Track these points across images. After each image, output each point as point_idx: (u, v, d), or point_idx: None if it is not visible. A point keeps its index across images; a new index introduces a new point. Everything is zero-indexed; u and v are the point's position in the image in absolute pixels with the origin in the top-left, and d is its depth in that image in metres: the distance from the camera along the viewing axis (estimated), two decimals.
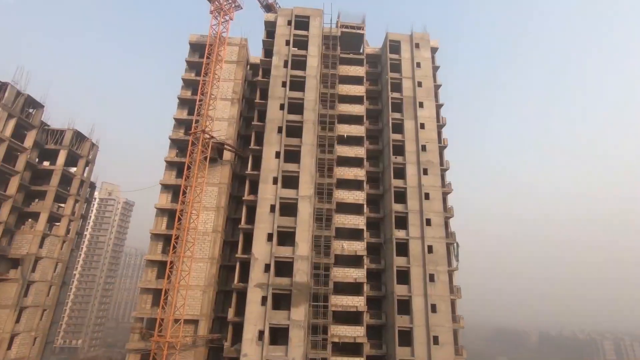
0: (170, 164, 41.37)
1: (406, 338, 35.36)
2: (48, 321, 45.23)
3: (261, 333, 32.11)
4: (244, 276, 35.15)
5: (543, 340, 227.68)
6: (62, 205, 48.50)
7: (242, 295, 34.64)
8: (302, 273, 33.94)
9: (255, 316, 32.59)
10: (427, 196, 39.93)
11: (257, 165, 39.10)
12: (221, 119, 41.89)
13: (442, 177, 43.07)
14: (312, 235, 35.62)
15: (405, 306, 36.35)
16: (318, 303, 33.65)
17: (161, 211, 39.73)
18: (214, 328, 37.14)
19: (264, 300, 33.15)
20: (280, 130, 39.37)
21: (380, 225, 42.07)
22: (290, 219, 36.02)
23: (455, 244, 40.79)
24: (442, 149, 44.51)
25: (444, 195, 42.00)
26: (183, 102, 43.83)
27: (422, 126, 42.89)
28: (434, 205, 39.70)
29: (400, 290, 36.66)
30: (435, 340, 34.82)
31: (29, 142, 42.72)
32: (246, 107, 47.40)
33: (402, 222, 39.40)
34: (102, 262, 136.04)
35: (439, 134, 44.71)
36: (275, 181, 37.27)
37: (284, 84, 41.36)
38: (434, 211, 39.46)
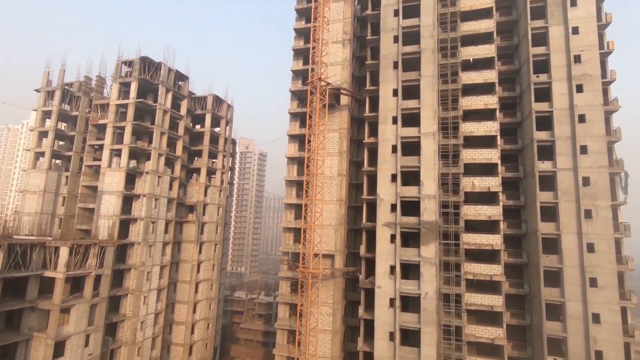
0: (293, 115, 44.09)
1: (553, 279, 32.26)
2: (219, 252, 56.86)
3: (392, 268, 33.72)
4: (372, 216, 36.65)
5: None
6: (214, 160, 57.79)
7: (371, 233, 36.48)
8: (429, 212, 33.38)
9: (385, 253, 34.15)
10: (581, 118, 33.05)
11: (374, 106, 38.36)
12: (335, 64, 41.73)
13: (605, 93, 34.74)
14: (438, 173, 34.10)
15: (551, 245, 32.68)
16: (448, 241, 33.04)
17: (291, 159, 43.52)
18: (349, 262, 40.68)
19: (392, 238, 34.23)
20: (395, 65, 37.09)
21: (519, 157, 37.33)
22: (414, 158, 34.98)
23: (622, 174, 33.60)
24: (605, 55, 35.37)
25: (607, 115, 34.19)
26: (297, 53, 44.96)
27: (576, 31, 34.34)
28: (591, 128, 32.73)
29: (545, 228, 32.86)
30: (593, 282, 30.73)
31: (183, 110, 51.06)
32: (358, 46, 45.82)
33: (546, 152, 34.04)
34: (249, 206, 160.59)
35: (601, 36, 35.27)
36: (394, 121, 36.15)
37: (396, 13, 37.99)
38: (592, 136, 32.62)
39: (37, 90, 49.78)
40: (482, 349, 33.13)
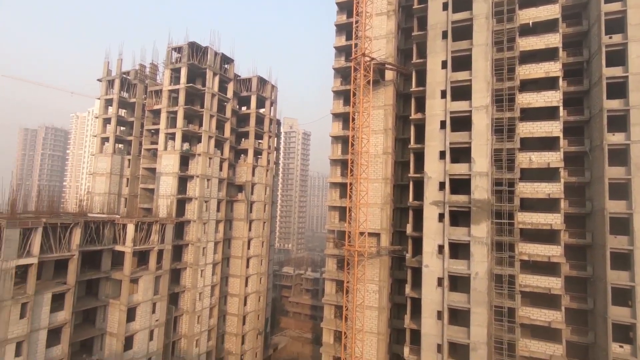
0: (336, 93, 43.55)
1: (621, 261, 29.72)
2: (267, 230, 59.14)
3: (440, 247, 32.99)
4: (418, 194, 35.81)
5: None
6: (260, 141, 59.24)
7: (418, 212, 35.76)
8: (481, 190, 31.86)
9: (433, 232, 33.40)
10: None
11: (421, 80, 36.68)
12: (379, 37, 40.19)
13: None
14: (490, 149, 32.20)
15: (619, 225, 29.94)
16: (501, 220, 31.48)
17: (335, 138, 43.36)
18: (395, 240, 40.44)
19: (440, 217, 33.31)
20: (444, 35, 34.89)
21: (585, 129, 34.11)
22: (464, 134, 33.25)
23: None
24: None
25: None
26: (340, 28, 43.83)
27: None
28: None
29: (614, 206, 30.11)
30: None
31: (229, 93, 52.49)
32: (403, 17, 43.63)
33: (618, 123, 30.69)
34: (294, 185, 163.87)
35: None
36: (443, 95, 34.39)
37: None
38: None
39: (100, 80, 53.68)
40: (537, 332, 31.84)
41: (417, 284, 34.99)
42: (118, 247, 35.46)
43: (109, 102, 53.56)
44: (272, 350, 65.91)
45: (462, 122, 33.62)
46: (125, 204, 52.38)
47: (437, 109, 34.50)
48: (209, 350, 47.34)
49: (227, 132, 51.42)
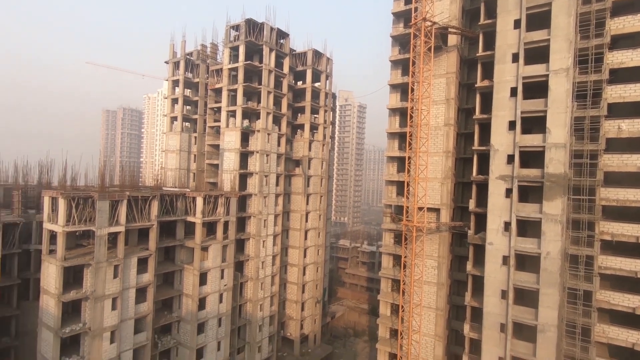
0: (394, 63, 41.66)
1: None
2: (324, 203, 60.24)
3: (507, 224, 31.06)
4: (483, 168, 33.70)
5: None
6: (316, 115, 59.38)
7: (482, 187, 33.79)
8: (556, 163, 29.00)
9: (499, 208, 31.44)
10: None
11: (489, 43, 33.56)
12: None
13: None
14: (570, 117, 28.89)
15: None
16: (580, 196, 28.58)
17: (392, 111, 41.93)
18: (455, 216, 38.89)
19: (507, 192, 31.14)
20: None
21: None
22: (538, 102, 30.12)
23: None
24: None
25: None
26: None
27: None
28: None
29: None
30: None
31: (285, 68, 52.82)
32: None
33: None
34: (350, 158, 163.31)
35: None
36: (515, 58, 31.19)
37: None
38: None
39: (166, 62, 57.08)
40: (617, 317, 29.13)
41: (479, 261, 33.62)
42: (189, 218, 38.71)
43: (175, 83, 56.97)
44: (330, 318, 68.71)
45: (536, 88, 30.42)
46: (194, 178, 56.49)
47: (507, 75, 31.50)
48: (272, 314, 50.75)
49: (284, 108, 52.23)
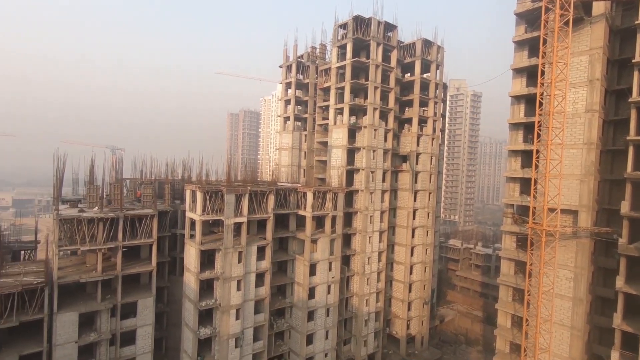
0: (519, 44, 36.68)
1: None
2: (433, 201, 57.09)
3: None
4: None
5: None
6: (425, 108, 56.47)
7: (639, 186, 27.37)
8: None
9: None
10: None
11: None
12: None
13: None
14: None
15: None
16: None
17: (516, 98, 37.09)
18: (600, 220, 32.50)
19: None
20: None
21: None
22: None
23: None
24: None
25: None
26: None
27: None
28: None
29: None
30: None
31: (393, 61, 51.49)
32: None
33: None
34: (462, 153, 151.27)
35: None
36: None
37: None
38: None
39: (280, 67, 61.56)
40: None
41: (633, 276, 27.45)
42: (300, 212, 41.18)
43: (288, 85, 61.05)
44: (439, 321, 65.18)
45: None
46: (304, 174, 59.85)
47: None
48: (377, 310, 50.65)
49: (391, 102, 51.12)
